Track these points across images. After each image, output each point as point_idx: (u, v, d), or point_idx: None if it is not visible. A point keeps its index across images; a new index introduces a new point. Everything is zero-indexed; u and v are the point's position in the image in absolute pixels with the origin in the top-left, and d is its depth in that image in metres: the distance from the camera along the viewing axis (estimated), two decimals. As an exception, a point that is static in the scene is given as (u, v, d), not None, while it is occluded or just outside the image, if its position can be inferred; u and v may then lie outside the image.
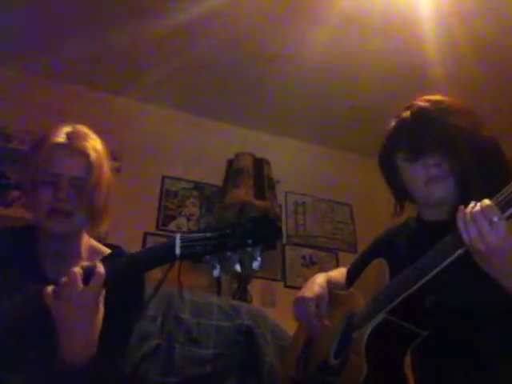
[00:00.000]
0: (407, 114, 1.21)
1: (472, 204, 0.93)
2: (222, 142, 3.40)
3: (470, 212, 0.91)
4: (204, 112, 3.44)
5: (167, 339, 1.76)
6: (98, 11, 2.66)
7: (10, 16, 2.68)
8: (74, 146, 1.20)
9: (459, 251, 0.94)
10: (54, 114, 2.84)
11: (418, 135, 1.16)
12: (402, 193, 1.26)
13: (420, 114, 1.18)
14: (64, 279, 0.94)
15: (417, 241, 1.20)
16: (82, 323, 0.93)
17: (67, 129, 1.23)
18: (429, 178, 1.15)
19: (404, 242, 1.27)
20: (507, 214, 0.89)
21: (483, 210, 0.90)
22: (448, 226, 0.98)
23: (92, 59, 2.97)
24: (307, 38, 2.79)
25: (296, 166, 3.57)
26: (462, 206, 0.94)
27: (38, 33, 2.79)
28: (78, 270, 0.94)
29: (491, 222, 0.89)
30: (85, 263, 0.97)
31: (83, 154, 1.20)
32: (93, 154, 1.21)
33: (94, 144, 1.24)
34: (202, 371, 1.72)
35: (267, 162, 3.14)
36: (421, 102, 1.21)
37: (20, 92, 2.96)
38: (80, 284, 0.92)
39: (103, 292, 0.97)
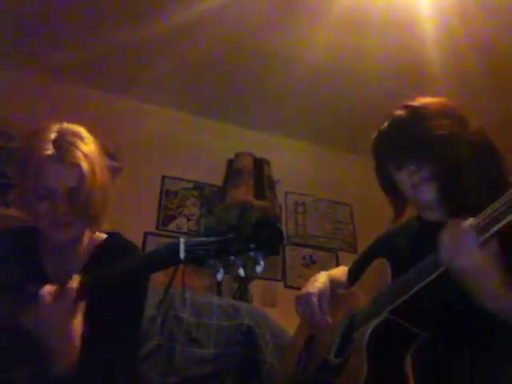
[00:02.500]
0: (385, 125, 1.23)
1: (453, 225, 0.96)
2: (222, 142, 3.40)
3: (450, 234, 0.95)
4: (204, 112, 3.44)
5: (167, 339, 1.76)
6: (98, 11, 2.66)
7: (10, 16, 2.68)
8: (63, 157, 1.15)
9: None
10: (54, 114, 2.84)
11: (396, 146, 1.19)
12: (399, 199, 1.27)
13: (396, 124, 1.21)
14: (35, 297, 0.97)
15: (418, 241, 1.20)
16: (56, 338, 0.97)
17: (53, 135, 1.17)
18: (413, 184, 1.17)
19: (405, 243, 1.28)
20: (486, 236, 0.92)
21: (462, 231, 0.93)
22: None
23: (92, 59, 2.97)
24: (307, 38, 2.80)
25: (296, 165, 3.57)
26: (444, 229, 0.97)
27: (38, 33, 2.79)
28: (47, 288, 0.98)
29: (469, 243, 0.92)
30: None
31: (73, 164, 1.15)
32: (83, 164, 1.16)
33: (83, 148, 1.18)
34: (202, 371, 1.72)
35: (267, 162, 3.14)
36: (398, 111, 1.22)
37: (20, 92, 2.96)
38: (49, 302, 0.96)
39: (82, 304, 1.00)
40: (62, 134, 1.19)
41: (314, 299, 1.32)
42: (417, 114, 1.18)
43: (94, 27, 2.75)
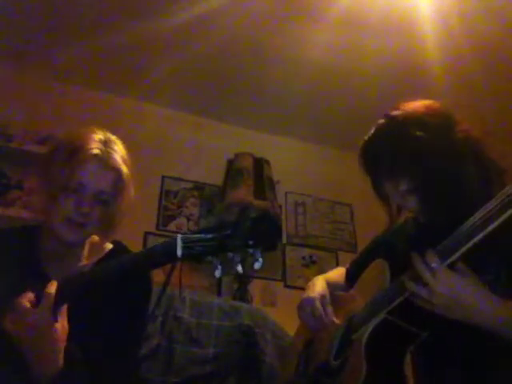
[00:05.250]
0: (369, 135, 1.23)
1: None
2: (222, 142, 3.40)
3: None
4: (204, 112, 3.44)
5: (167, 339, 1.76)
6: (99, 11, 2.66)
7: (10, 16, 2.68)
8: (108, 161, 1.19)
9: (461, 251, 0.95)
10: (54, 114, 2.85)
11: (377, 159, 1.18)
12: (392, 204, 1.27)
13: (377, 136, 1.20)
14: (14, 304, 0.97)
15: (416, 242, 1.20)
16: (38, 343, 0.96)
17: (100, 137, 1.22)
18: (401, 195, 1.16)
19: (404, 243, 1.28)
20: (447, 262, 0.94)
21: (425, 259, 0.96)
22: (445, 228, 0.99)
23: (92, 59, 2.97)
24: (307, 38, 2.79)
25: (296, 165, 3.57)
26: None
27: (38, 33, 2.79)
28: (27, 295, 0.97)
29: (431, 270, 0.94)
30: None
31: (116, 170, 1.20)
32: (124, 171, 1.22)
33: (124, 157, 1.25)
34: (201, 371, 1.72)
35: (267, 162, 3.14)
36: (380, 120, 1.21)
37: (20, 92, 2.96)
38: (26, 307, 0.95)
39: (64, 307, 0.99)
40: (108, 140, 1.23)
41: (318, 302, 1.32)
42: (396, 124, 1.16)
43: (94, 27, 2.74)
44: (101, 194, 1.18)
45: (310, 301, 1.33)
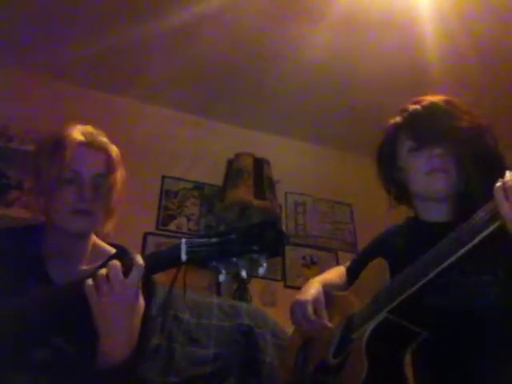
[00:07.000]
0: (416, 106, 1.22)
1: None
2: (222, 142, 3.40)
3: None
4: (204, 112, 3.44)
5: (167, 339, 1.76)
6: (99, 11, 2.66)
7: (10, 16, 2.68)
8: (94, 143, 1.21)
9: (461, 251, 0.94)
10: (54, 114, 2.84)
11: (428, 125, 1.18)
12: (399, 189, 1.27)
13: (431, 107, 1.20)
14: (102, 272, 0.90)
15: (416, 242, 1.20)
16: (124, 318, 0.90)
17: (80, 128, 1.24)
18: (432, 168, 1.16)
19: (404, 243, 1.27)
20: None
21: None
22: (447, 227, 0.98)
23: (92, 59, 2.97)
24: (307, 38, 2.80)
25: (296, 166, 3.57)
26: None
27: (38, 33, 2.79)
28: (116, 262, 0.91)
29: None
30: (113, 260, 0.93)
31: (104, 149, 1.22)
32: (113, 149, 1.24)
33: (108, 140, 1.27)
34: (201, 371, 1.72)
35: (267, 162, 3.13)
36: (430, 98, 1.23)
37: (20, 92, 2.96)
38: (121, 277, 0.89)
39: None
40: (88, 128, 1.25)
41: (309, 306, 1.30)
42: (451, 104, 1.19)
43: (93, 27, 2.75)
44: (98, 178, 1.19)
45: (302, 304, 1.31)
